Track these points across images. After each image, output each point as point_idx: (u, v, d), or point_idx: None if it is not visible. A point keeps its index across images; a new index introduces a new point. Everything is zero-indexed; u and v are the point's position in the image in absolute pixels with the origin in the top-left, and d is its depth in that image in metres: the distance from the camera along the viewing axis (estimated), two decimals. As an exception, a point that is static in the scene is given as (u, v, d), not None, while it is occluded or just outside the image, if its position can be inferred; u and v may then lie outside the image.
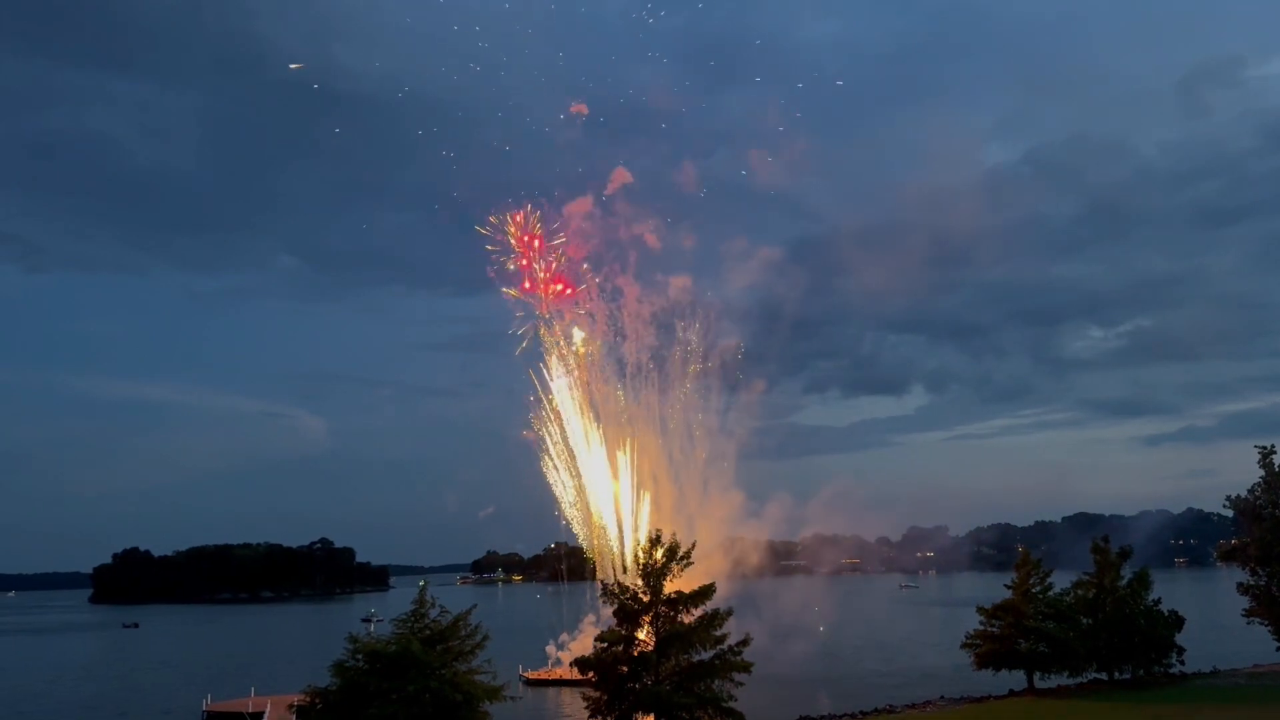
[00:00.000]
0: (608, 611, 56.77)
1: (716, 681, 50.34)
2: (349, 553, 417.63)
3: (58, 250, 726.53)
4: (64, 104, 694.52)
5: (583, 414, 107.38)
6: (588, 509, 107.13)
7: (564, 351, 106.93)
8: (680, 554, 53.43)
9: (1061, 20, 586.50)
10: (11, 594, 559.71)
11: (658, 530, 55.23)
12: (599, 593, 58.59)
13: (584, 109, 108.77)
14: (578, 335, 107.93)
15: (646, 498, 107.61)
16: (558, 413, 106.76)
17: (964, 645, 76.03)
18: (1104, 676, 75.29)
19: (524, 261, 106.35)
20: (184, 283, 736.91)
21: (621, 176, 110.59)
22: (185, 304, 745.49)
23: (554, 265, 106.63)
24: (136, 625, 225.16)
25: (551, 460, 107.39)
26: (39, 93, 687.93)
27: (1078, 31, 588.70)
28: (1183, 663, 76.33)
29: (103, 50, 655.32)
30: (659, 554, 52.81)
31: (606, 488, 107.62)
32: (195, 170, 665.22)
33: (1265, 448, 76.37)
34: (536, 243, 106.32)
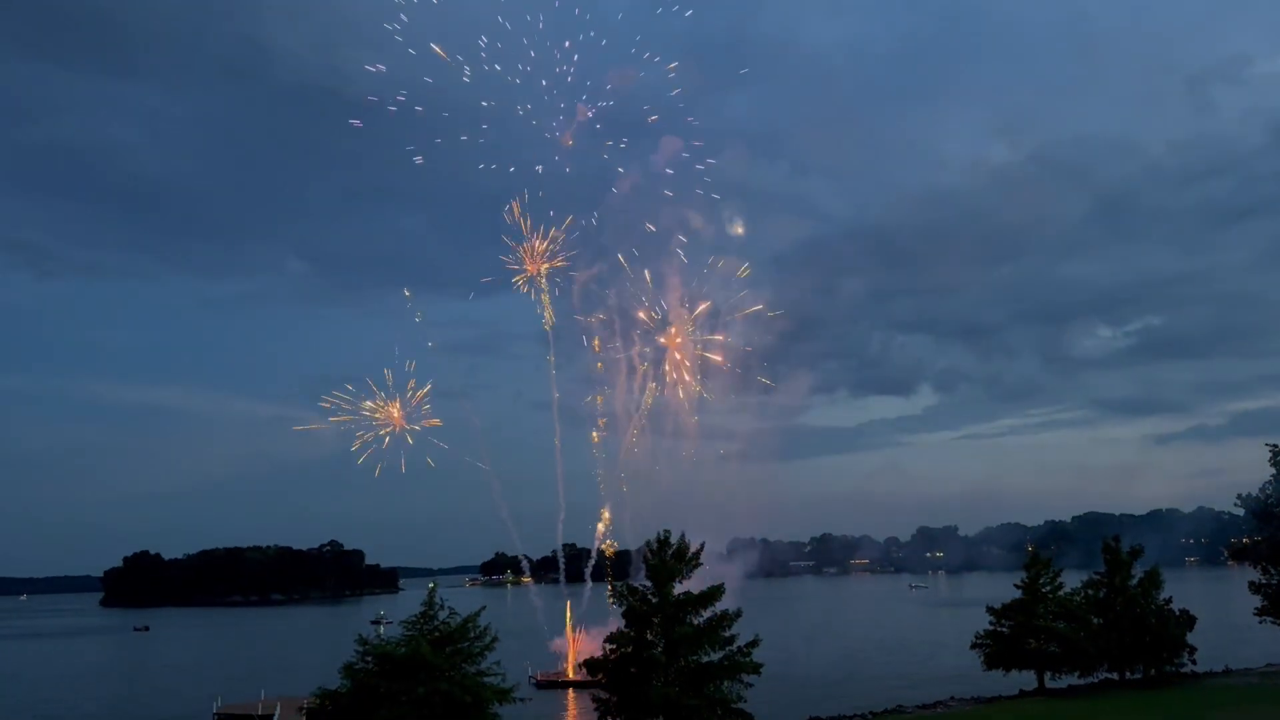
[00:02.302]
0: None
1: (726, 683, 50.27)
2: (359, 555, 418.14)
3: (69, 256, 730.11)
4: (74, 110, 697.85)
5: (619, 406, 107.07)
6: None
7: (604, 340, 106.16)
8: (689, 555, 53.35)
9: (1068, 19, 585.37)
10: (23, 597, 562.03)
11: (666, 530, 55.13)
12: (608, 594, 58.57)
13: (628, 80, 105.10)
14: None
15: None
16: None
17: (974, 645, 75.86)
18: (1115, 676, 75.02)
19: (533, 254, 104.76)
20: (195, 288, 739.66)
21: (672, 145, 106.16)
22: (196, 309, 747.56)
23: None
24: (147, 628, 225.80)
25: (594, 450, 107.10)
26: (49, 99, 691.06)
27: (1085, 30, 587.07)
28: (1194, 662, 76.03)
29: (112, 57, 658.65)
30: (668, 555, 52.76)
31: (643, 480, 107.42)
32: (205, 176, 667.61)
33: (1275, 446, 76.07)
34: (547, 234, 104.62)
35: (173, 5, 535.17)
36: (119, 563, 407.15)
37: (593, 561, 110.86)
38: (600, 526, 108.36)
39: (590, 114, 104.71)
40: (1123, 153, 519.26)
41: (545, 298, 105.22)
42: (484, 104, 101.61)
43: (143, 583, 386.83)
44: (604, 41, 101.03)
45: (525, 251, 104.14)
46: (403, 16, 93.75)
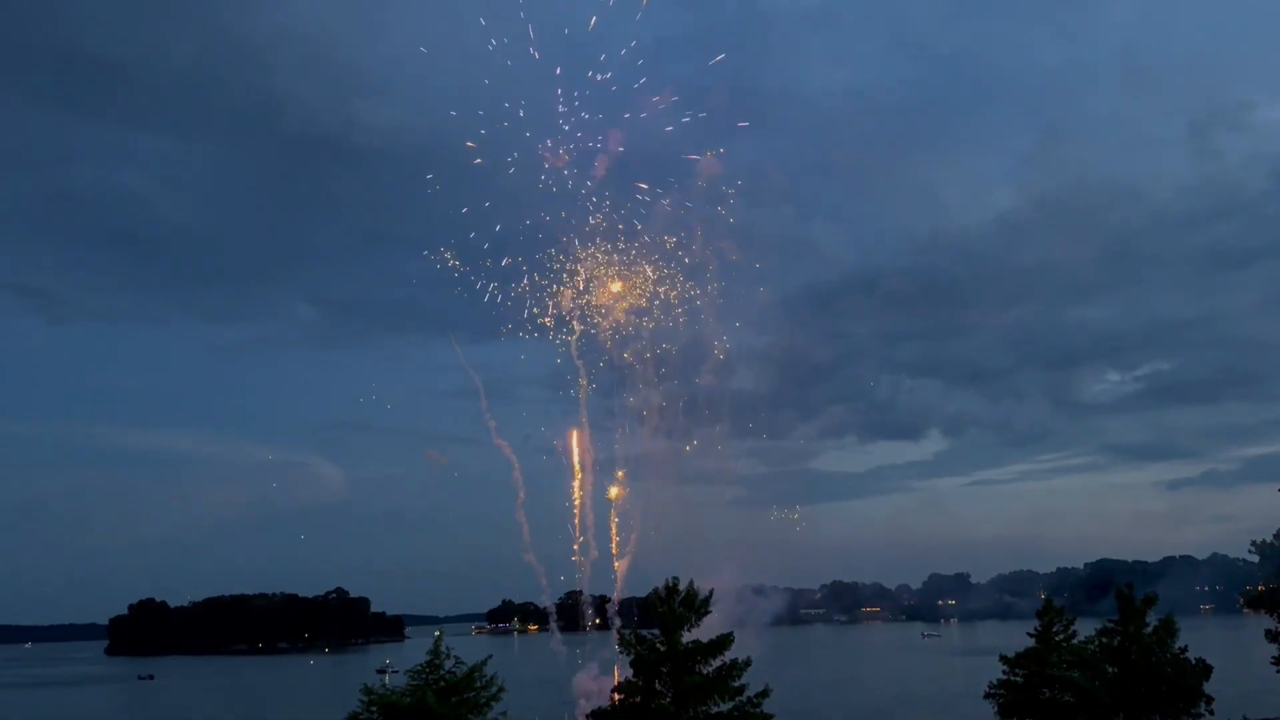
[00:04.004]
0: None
1: (736, 734, 49.56)
2: (364, 603, 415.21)
3: (80, 302, 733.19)
4: (87, 159, 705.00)
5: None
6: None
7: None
8: (698, 602, 52.87)
9: (1072, 66, 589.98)
10: (28, 645, 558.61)
11: (674, 577, 54.66)
12: (615, 642, 58.07)
13: (616, 146, 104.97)
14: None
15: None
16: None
17: (987, 695, 74.70)
18: (1131, 727, 73.74)
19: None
20: (204, 334, 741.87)
21: (711, 168, 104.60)
22: (206, 355, 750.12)
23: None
24: (152, 677, 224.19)
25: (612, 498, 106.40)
26: (62, 148, 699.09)
27: (1088, 77, 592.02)
28: (1211, 712, 74.56)
29: (125, 106, 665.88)
30: (676, 602, 52.28)
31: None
32: (216, 222, 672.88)
33: (1289, 492, 75.34)
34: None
35: (187, 57, 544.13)
36: (125, 610, 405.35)
37: (616, 607, 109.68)
38: (619, 572, 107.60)
39: (620, 148, 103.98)
40: (1128, 198, 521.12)
41: (574, 339, 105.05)
42: (497, 148, 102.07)
43: (148, 631, 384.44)
44: (614, 88, 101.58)
45: (556, 292, 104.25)
46: (412, 68, 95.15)
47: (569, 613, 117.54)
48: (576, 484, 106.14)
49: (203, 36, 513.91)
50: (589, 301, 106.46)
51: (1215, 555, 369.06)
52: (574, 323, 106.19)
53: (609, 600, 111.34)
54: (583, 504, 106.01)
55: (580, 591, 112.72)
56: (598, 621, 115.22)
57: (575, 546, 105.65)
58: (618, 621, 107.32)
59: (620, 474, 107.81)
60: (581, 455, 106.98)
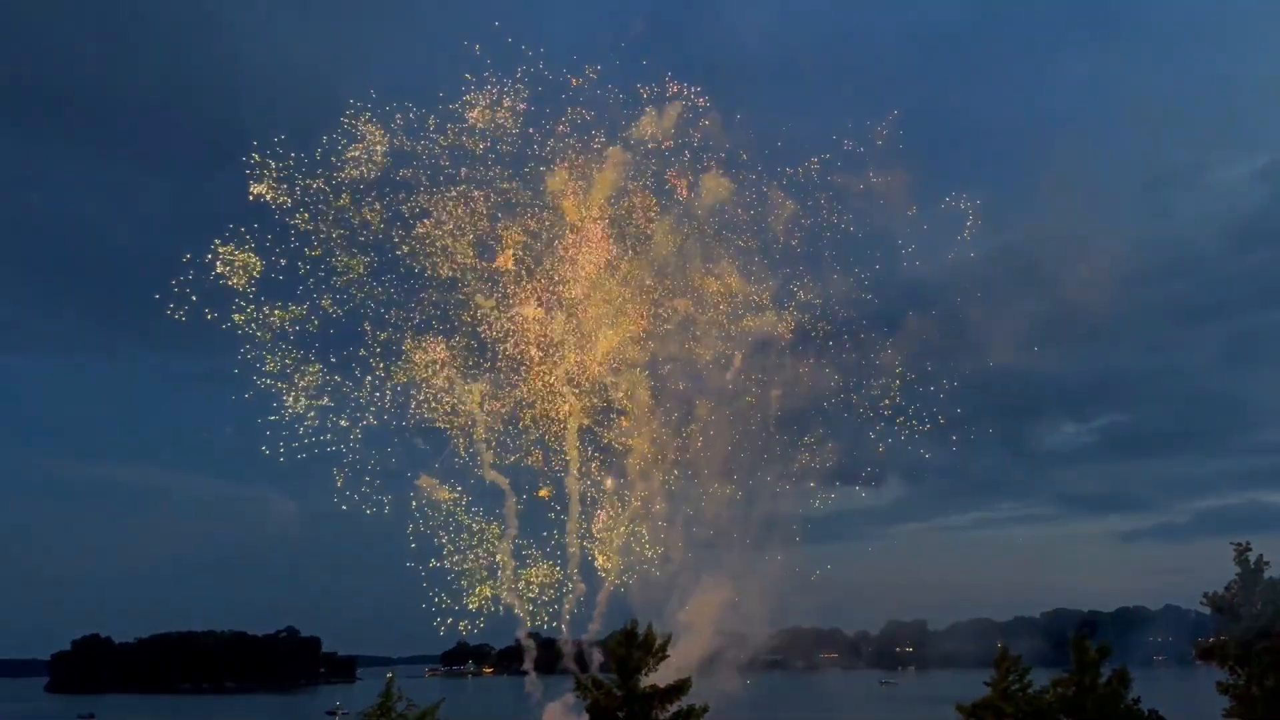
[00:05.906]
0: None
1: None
2: (315, 642, 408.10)
3: (29, 329, 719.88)
4: (39, 184, 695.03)
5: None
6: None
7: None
8: (656, 647, 52.54)
9: (1028, 124, 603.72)
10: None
11: (633, 620, 54.30)
12: (573, 687, 57.33)
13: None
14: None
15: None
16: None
17: (943, 745, 74.77)
18: (1086, 778, 73.88)
19: None
20: (158, 364, 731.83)
21: (719, 186, 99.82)
22: (159, 385, 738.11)
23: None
24: (92, 716, 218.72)
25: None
26: (14, 173, 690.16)
27: (1044, 134, 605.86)
28: (1164, 763, 75.09)
29: (81, 133, 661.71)
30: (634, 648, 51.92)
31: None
32: (171, 252, 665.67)
33: (1240, 544, 76.42)
34: None
35: (148, 84, 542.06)
36: (67, 646, 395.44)
37: (594, 650, 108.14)
38: (597, 610, 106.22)
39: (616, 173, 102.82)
40: (1084, 252, 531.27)
41: (559, 370, 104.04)
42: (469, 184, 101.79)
43: (91, 668, 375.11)
44: (596, 131, 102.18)
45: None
46: (376, 102, 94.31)
47: (520, 654, 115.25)
48: (571, 520, 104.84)
49: (162, 64, 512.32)
50: (576, 331, 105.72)
51: (1168, 606, 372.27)
52: (564, 350, 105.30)
53: (569, 642, 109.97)
54: (564, 540, 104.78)
55: (534, 634, 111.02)
56: (537, 660, 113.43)
57: (569, 580, 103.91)
58: (598, 659, 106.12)
59: (599, 510, 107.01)
60: (568, 490, 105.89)
